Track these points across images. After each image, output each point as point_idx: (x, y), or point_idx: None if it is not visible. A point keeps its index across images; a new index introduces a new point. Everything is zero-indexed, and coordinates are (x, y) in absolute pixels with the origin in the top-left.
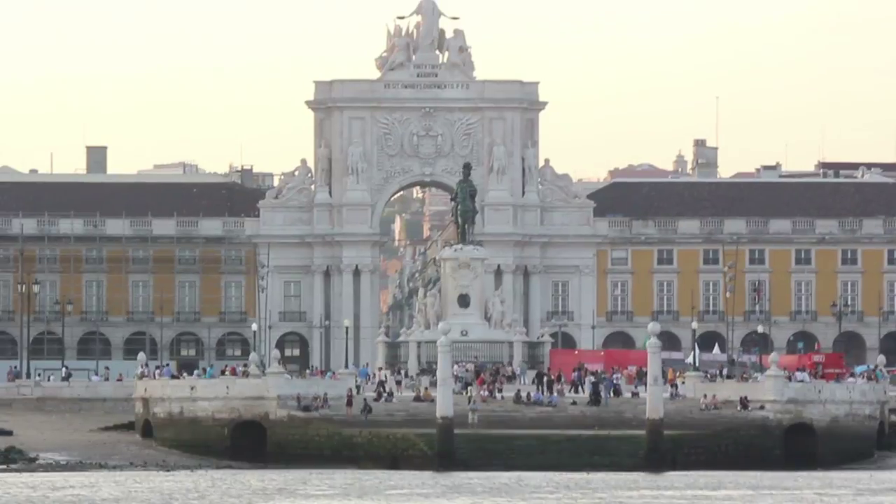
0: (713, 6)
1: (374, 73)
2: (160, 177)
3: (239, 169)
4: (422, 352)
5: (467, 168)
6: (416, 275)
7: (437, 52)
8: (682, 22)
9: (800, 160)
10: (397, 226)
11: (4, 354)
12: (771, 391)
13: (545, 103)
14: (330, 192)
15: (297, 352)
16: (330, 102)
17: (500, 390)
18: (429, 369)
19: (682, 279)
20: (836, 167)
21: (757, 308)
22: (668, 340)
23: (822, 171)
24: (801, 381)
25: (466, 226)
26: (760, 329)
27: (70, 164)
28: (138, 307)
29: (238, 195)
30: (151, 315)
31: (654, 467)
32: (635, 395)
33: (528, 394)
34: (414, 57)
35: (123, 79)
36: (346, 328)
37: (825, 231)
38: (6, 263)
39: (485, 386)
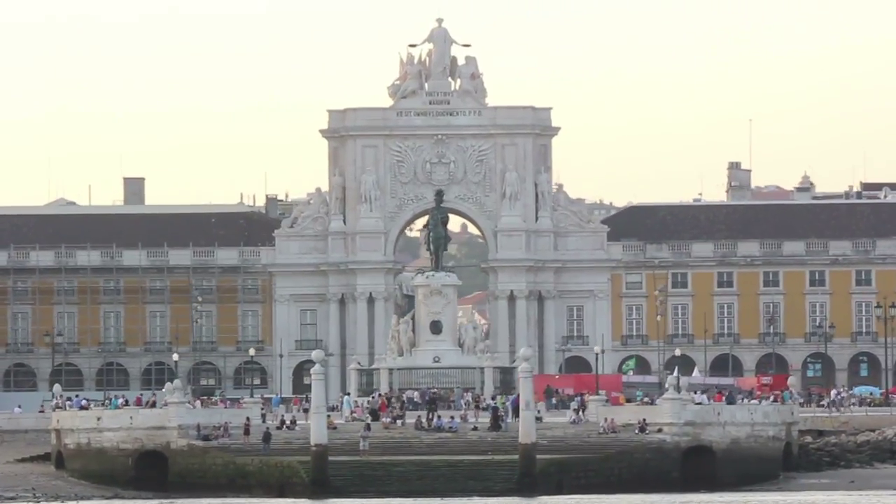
0: (733, 29)
1: (387, 101)
2: (177, 207)
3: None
4: (394, 378)
5: (439, 195)
6: None
7: (449, 79)
8: (700, 45)
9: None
10: None
11: (24, 386)
12: (668, 414)
13: (558, 129)
14: (344, 220)
15: None
16: (343, 131)
17: (400, 416)
18: (400, 396)
19: (697, 302)
20: (871, 188)
21: (771, 329)
22: (683, 364)
23: (846, 192)
24: (700, 403)
25: (439, 252)
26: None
27: (109, 197)
28: (156, 337)
29: (255, 225)
30: (169, 345)
31: (526, 492)
32: (539, 419)
33: (429, 420)
34: (426, 85)
35: (158, 116)
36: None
37: (839, 252)
38: (24, 296)
39: (388, 412)
